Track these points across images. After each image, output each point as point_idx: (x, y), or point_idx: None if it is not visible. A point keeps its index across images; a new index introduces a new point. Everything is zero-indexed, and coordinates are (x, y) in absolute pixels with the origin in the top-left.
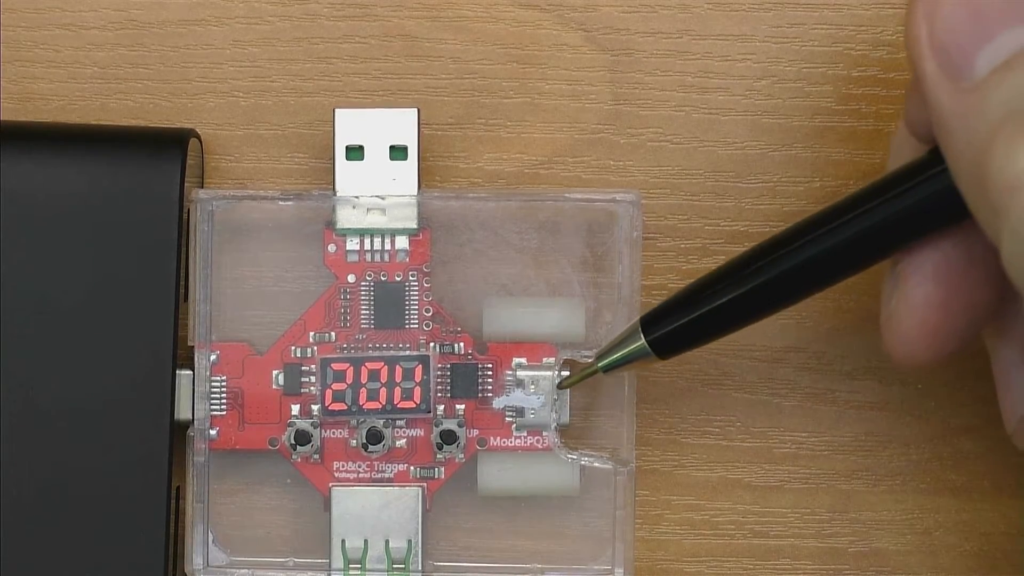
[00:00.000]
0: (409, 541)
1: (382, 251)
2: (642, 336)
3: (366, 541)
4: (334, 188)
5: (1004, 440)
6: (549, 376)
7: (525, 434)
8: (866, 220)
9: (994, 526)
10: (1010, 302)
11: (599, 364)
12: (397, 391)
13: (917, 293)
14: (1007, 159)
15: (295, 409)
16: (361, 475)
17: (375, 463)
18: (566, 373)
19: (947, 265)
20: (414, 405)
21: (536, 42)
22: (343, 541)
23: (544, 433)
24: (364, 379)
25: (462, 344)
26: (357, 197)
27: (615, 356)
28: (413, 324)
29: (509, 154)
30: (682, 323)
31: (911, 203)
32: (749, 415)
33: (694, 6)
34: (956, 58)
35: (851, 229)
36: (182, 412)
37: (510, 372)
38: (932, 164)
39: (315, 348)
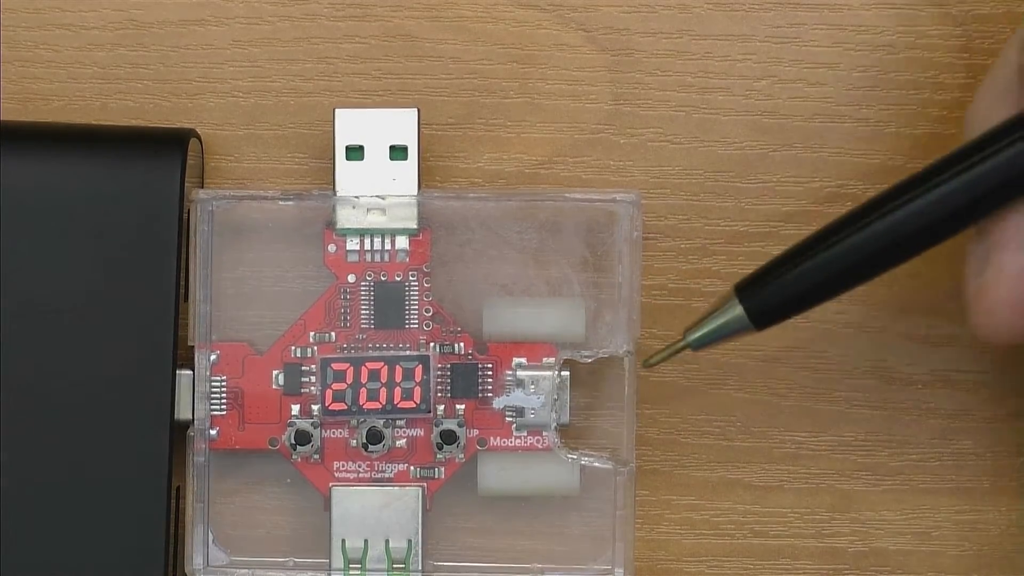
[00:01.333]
0: (409, 541)
1: (382, 251)
2: (739, 305)
3: (366, 541)
4: (334, 188)
5: (1004, 440)
6: (549, 376)
7: (525, 434)
8: (971, 175)
9: (994, 526)
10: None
11: (690, 339)
12: (397, 391)
13: (1014, 263)
14: None
15: (295, 409)
16: (361, 475)
17: (375, 463)
18: (566, 373)
19: None
20: (414, 405)
21: (536, 42)
22: (343, 541)
23: (544, 433)
24: (364, 379)
25: (462, 344)
26: (357, 197)
27: (708, 329)
28: (413, 324)
29: (509, 154)
30: (784, 288)
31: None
32: (749, 415)
33: (694, 6)
34: None
35: (953, 186)
36: (182, 412)
37: (510, 372)
38: None
39: (315, 348)
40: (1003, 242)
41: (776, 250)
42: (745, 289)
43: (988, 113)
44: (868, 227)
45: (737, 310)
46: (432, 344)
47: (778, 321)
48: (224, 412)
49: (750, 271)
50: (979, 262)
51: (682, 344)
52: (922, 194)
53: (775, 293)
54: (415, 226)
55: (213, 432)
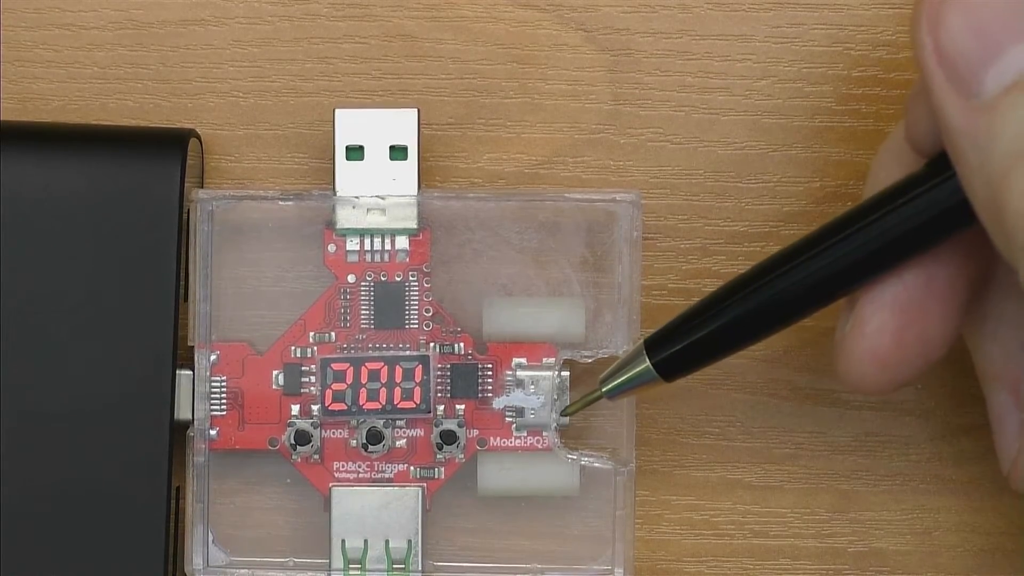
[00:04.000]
0: (409, 541)
1: (382, 251)
2: (647, 359)
3: (366, 541)
4: (334, 188)
5: None
6: (549, 376)
7: (525, 434)
8: (868, 236)
9: (994, 526)
10: (1001, 344)
11: (603, 389)
12: (397, 391)
13: (872, 321)
14: (1021, 216)
15: (295, 409)
16: (361, 475)
17: (375, 463)
18: (566, 374)
19: (906, 295)
20: (414, 405)
21: (536, 42)
22: (343, 541)
23: (544, 433)
24: (364, 379)
25: (462, 344)
26: (357, 197)
27: (620, 380)
28: (413, 324)
29: (509, 154)
30: (688, 344)
31: (912, 219)
32: (749, 415)
33: (694, 6)
34: (964, 73)
35: (853, 244)
36: (182, 412)
37: (510, 372)
38: (931, 177)
39: (315, 348)
40: (865, 299)
41: (775, 249)
42: (655, 345)
43: (896, 154)
44: (759, 290)
45: (645, 364)
46: (432, 344)
47: (688, 373)
48: (224, 412)
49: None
50: (845, 314)
51: (596, 395)
52: (809, 259)
53: (684, 351)
54: (415, 226)
55: (213, 432)
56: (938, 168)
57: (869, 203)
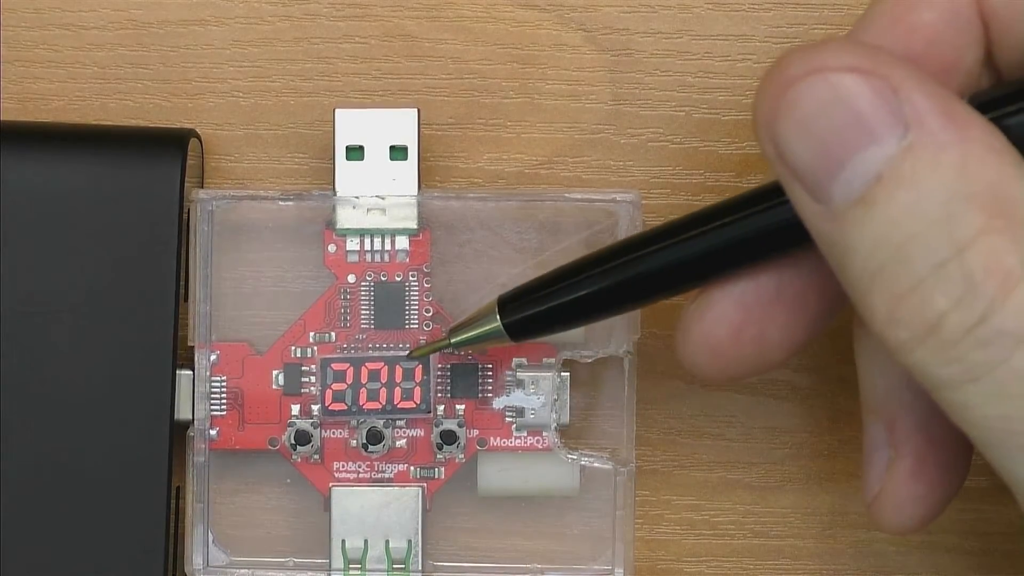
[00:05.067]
0: (409, 541)
1: (382, 251)
2: (498, 318)
3: (366, 541)
4: (334, 188)
5: None
6: (549, 376)
7: (525, 434)
8: (715, 237)
9: (994, 526)
10: (886, 378)
11: (451, 340)
12: (397, 391)
13: (715, 309)
14: (888, 326)
15: (295, 409)
16: (361, 475)
17: (375, 463)
18: (566, 374)
19: (754, 294)
20: (414, 405)
21: (536, 42)
22: (343, 541)
23: (544, 433)
24: (364, 379)
25: None
26: (357, 197)
27: (469, 335)
28: (413, 324)
29: (509, 154)
30: (540, 311)
31: (768, 222)
32: (749, 415)
33: (694, 6)
34: (811, 184)
35: (701, 244)
36: (182, 412)
37: (510, 372)
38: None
39: (315, 348)
40: (712, 288)
41: None
42: (506, 304)
43: None
44: (615, 269)
45: (496, 323)
46: None
47: (534, 338)
48: (224, 412)
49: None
50: (695, 292)
51: (443, 342)
52: (667, 245)
53: (533, 317)
54: (415, 226)
55: (213, 432)
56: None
57: (734, 200)
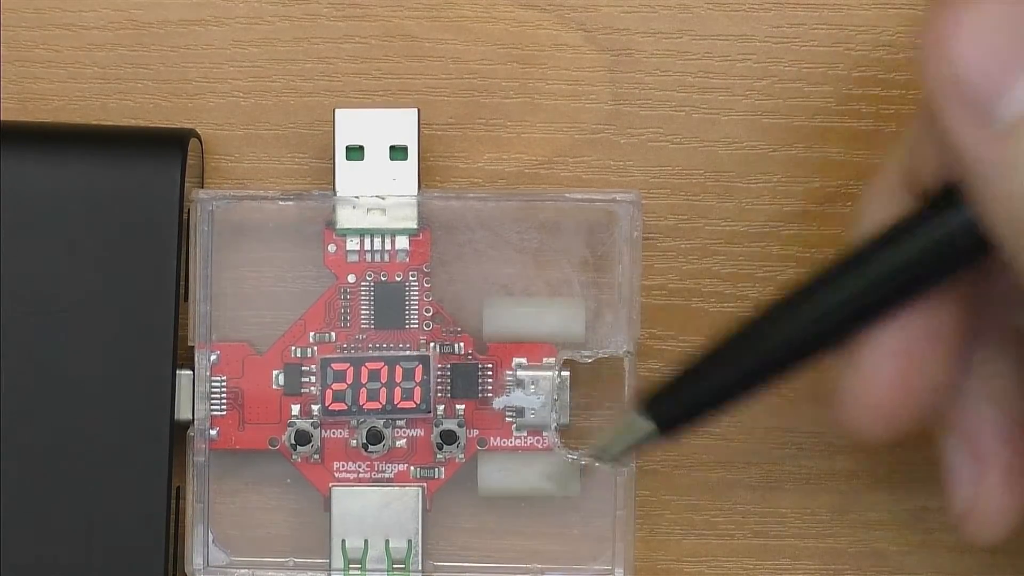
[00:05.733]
0: (409, 541)
1: (382, 251)
2: (650, 423)
3: (366, 541)
4: (334, 188)
5: None
6: (549, 376)
7: (525, 434)
8: (870, 278)
9: None
10: (967, 394)
11: (601, 457)
12: (397, 391)
13: (876, 372)
14: None
15: (295, 409)
16: (361, 475)
17: (375, 463)
18: (566, 374)
19: (910, 341)
20: (414, 405)
21: (536, 42)
22: (343, 541)
23: (544, 433)
24: (364, 379)
25: (462, 344)
26: (357, 197)
27: (621, 447)
28: (413, 324)
29: (509, 154)
30: (690, 408)
31: (917, 258)
32: (749, 415)
33: (694, 6)
34: (978, 100)
35: (854, 289)
36: (182, 412)
37: (510, 372)
38: (934, 214)
39: (315, 348)
40: (865, 348)
41: (776, 249)
42: (652, 406)
43: (871, 213)
44: (749, 347)
45: (649, 427)
46: (432, 344)
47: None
48: (224, 412)
49: (747, 272)
50: (843, 360)
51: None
52: (804, 308)
53: (683, 411)
54: (415, 226)
55: (213, 432)
56: (939, 203)
57: (868, 245)
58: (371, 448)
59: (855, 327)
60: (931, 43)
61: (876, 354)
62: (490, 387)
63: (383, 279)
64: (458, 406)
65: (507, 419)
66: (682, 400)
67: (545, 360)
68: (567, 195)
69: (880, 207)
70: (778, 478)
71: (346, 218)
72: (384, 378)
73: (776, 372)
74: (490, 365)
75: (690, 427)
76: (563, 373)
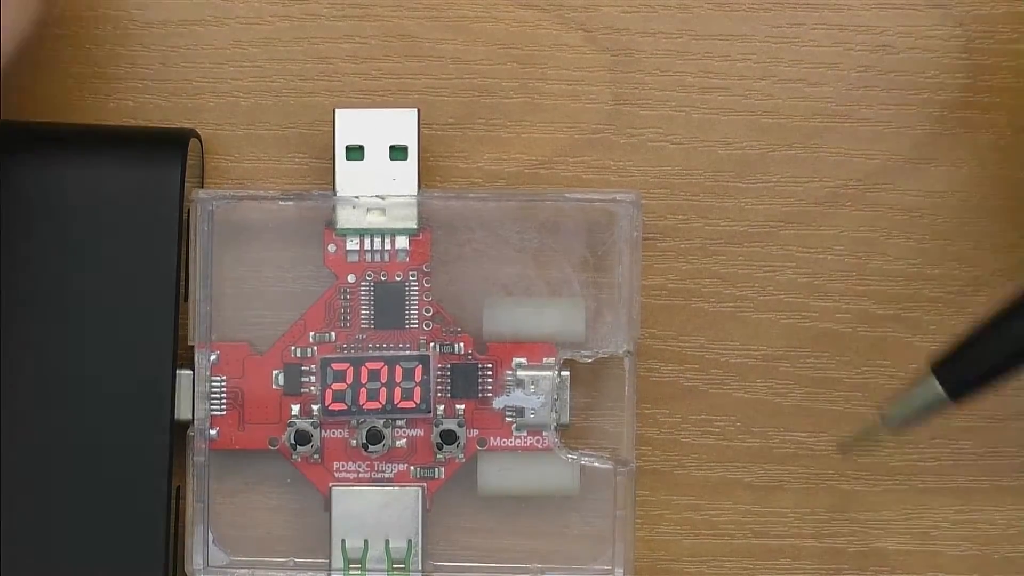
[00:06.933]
0: (409, 541)
1: (382, 251)
2: (938, 386)
3: (366, 541)
4: (334, 188)
5: (1004, 440)
6: (549, 376)
7: (525, 434)
8: None
9: (994, 526)
10: None
11: (887, 419)
12: (397, 391)
13: None
14: None
15: (295, 409)
16: (361, 475)
17: (375, 463)
18: (566, 373)
19: None
20: (414, 405)
21: (536, 42)
22: (343, 541)
23: (544, 433)
24: (364, 379)
25: (462, 344)
26: (357, 197)
27: (908, 409)
28: (413, 324)
29: (509, 154)
30: (982, 372)
31: None
32: (749, 415)
33: (694, 6)
34: None
35: None
36: (182, 412)
37: (510, 372)
38: None
39: (315, 348)
40: None
41: (775, 250)
42: (943, 370)
43: None
44: None
45: (937, 391)
46: (432, 344)
47: (974, 396)
48: (224, 412)
49: (746, 272)
50: None
51: (877, 428)
52: None
53: (971, 369)
54: (415, 226)
55: (213, 432)
56: None
57: None
58: (371, 448)
59: None
60: None
61: None
62: (490, 387)
63: (383, 279)
64: (458, 406)
65: (507, 419)
66: (972, 367)
67: (545, 360)
68: (567, 195)
69: None
70: (778, 478)
71: (346, 218)
72: (384, 378)
73: None
74: (490, 365)
75: (979, 394)
76: (563, 373)
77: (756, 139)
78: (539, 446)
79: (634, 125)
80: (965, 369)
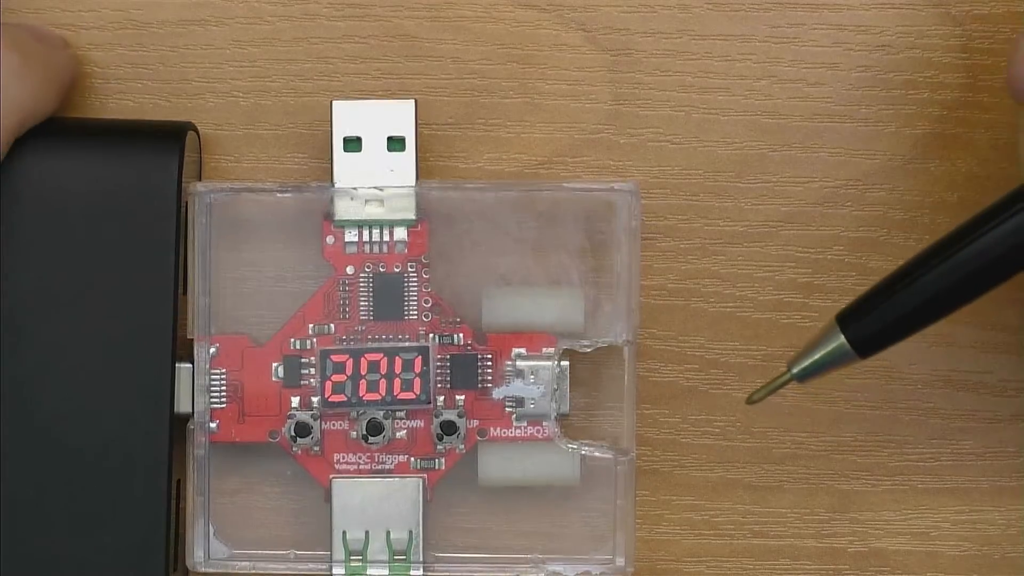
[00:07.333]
0: (410, 532)
1: (380, 242)
2: (841, 335)
3: (367, 532)
4: (332, 180)
5: (1004, 440)
6: (549, 366)
7: (525, 424)
8: None
9: (994, 526)
10: None
11: (793, 371)
12: (397, 382)
13: None
14: None
15: (295, 401)
16: (361, 466)
17: (375, 454)
18: (566, 363)
19: None
20: (414, 396)
21: (536, 42)
22: (344, 533)
23: (544, 423)
24: (364, 371)
25: (461, 335)
26: (355, 189)
27: (811, 360)
28: (412, 315)
29: (509, 154)
30: (887, 317)
31: None
32: (749, 415)
33: (694, 6)
34: None
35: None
36: (182, 405)
37: (510, 362)
38: None
39: (314, 340)
40: None
41: (775, 250)
42: (849, 320)
43: None
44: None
45: (840, 340)
46: (431, 335)
47: (884, 348)
48: (224, 405)
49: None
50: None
51: (785, 378)
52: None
53: (883, 325)
54: (413, 217)
55: (213, 425)
56: None
57: None
58: (371, 439)
59: None
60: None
61: None
62: (490, 377)
63: (382, 270)
64: (458, 397)
65: (507, 409)
66: (876, 319)
67: (544, 350)
68: (565, 185)
69: None
70: (778, 478)
71: (344, 210)
72: (384, 369)
73: (970, 292)
74: (489, 355)
75: (883, 346)
76: (563, 363)
77: (756, 139)
78: (539, 436)
79: (634, 125)
80: (870, 321)
